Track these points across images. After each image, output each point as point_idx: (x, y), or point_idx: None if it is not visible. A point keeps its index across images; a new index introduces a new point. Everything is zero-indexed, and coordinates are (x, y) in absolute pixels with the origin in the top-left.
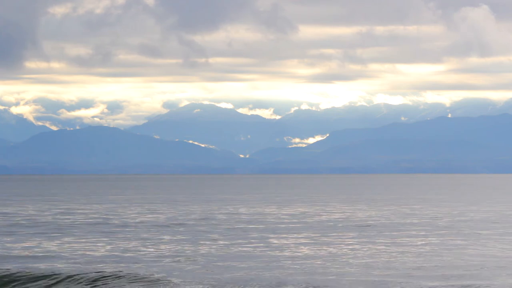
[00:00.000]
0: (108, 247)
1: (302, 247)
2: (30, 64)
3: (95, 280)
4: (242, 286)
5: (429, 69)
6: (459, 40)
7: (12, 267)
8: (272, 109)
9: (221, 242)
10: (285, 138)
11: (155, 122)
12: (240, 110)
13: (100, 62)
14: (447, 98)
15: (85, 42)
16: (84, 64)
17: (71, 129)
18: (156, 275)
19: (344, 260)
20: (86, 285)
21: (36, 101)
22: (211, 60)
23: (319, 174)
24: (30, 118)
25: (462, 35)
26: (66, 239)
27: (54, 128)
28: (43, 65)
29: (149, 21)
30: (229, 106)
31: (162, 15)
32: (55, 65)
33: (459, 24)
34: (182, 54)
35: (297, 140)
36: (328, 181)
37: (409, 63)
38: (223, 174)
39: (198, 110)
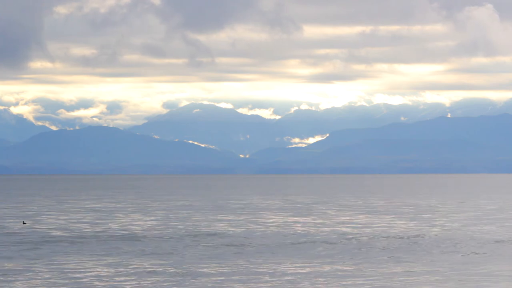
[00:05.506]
0: None
1: None
2: (35, 64)
3: None
4: None
5: (429, 69)
6: (463, 40)
7: None
8: (272, 109)
9: None
10: (285, 138)
11: (154, 122)
12: (240, 110)
13: (104, 62)
14: (446, 98)
15: (90, 42)
16: (88, 64)
17: (71, 129)
18: None
19: None
20: None
21: (35, 101)
22: (217, 60)
23: (319, 174)
24: (30, 118)
25: (466, 34)
26: None
27: (54, 128)
28: (46, 65)
29: (154, 21)
30: (229, 106)
31: (168, 14)
32: (58, 65)
33: (464, 23)
34: (186, 54)
35: (297, 140)
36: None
37: (412, 63)
38: (223, 174)
39: (198, 110)
